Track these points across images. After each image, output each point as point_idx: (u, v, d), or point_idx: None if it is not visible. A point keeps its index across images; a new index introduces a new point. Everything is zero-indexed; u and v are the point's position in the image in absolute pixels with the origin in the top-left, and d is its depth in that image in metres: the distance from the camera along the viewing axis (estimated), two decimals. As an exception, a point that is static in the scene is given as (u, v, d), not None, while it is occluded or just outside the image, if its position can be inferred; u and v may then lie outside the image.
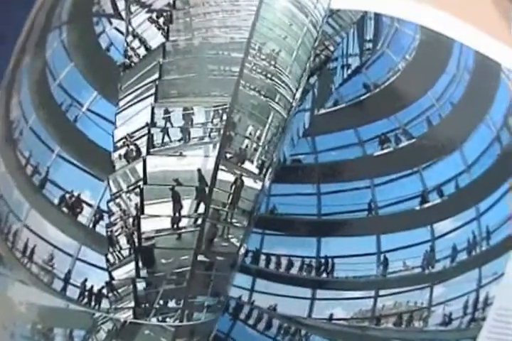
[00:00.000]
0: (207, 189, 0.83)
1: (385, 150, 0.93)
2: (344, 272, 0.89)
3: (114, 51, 0.92)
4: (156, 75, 0.88)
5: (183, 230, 0.84)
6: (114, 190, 0.87)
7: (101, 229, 0.88)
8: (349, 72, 0.96)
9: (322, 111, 0.93)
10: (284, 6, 0.88)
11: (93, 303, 0.87)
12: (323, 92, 0.92)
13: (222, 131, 0.83)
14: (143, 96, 0.88)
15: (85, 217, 0.89)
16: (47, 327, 0.92)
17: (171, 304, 0.84)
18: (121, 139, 0.88)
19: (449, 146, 0.98)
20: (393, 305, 0.97)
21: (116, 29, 0.93)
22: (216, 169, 0.83)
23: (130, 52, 0.91)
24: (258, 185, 0.85)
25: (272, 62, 0.86)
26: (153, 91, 0.88)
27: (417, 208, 0.92)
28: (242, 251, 0.87)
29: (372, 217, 0.92)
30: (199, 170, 0.84)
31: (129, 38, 0.92)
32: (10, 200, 0.95)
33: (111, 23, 0.93)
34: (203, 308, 0.85)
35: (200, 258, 0.83)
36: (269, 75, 0.85)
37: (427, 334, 0.99)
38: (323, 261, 0.90)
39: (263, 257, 0.88)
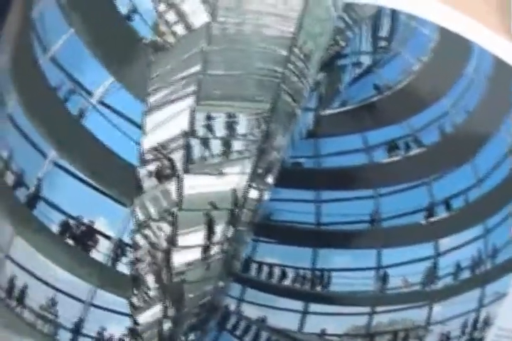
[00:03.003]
0: (238, 211, 0.57)
1: (393, 158, 0.71)
2: (340, 286, 0.65)
3: (138, 22, 0.56)
4: (199, 67, 0.57)
5: (212, 259, 0.58)
6: (142, 217, 0.56)
7: (123, 266, 0.57)
8: (360, 70, 0.76)
9: (328, 111, 0.74)
10: (327, -1, 0.62)
11: None
12: (330, 91, 0.68)
13: (259, 144, 0.57)
14: (181, 93, 0.56)
15: (101, 252, 0.57)
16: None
17: (191, 337, 0.59)
18: (152, 150, 0.56)
19: (461, 157, 0.75)
20: (389, 323, 0.76)
21: None
22: (248, 188, 0.58)
23: (164, 28, 0.57)
24: (268, 195, 0.60)
25: (307, 64, 0.60)
26: (194, 88, 0.56)
27: (423, 222, 0.67)
28: None
29: (374, 230, 0.68)
30: (234, 191, 0.57)
31: (162, 7, 0.57)
32: None
33: None
34: (210, 330, 0.61)
35: (221, 284, 0.59)
36: (302, 78, 0.60)
37: (422, 353, 0.79)
38: (318, 273, 0.67)
39: (255, 266, 0.65)
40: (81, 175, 0.57)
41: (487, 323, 0.72)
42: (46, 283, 0.57)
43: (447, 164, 0.69)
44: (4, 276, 0.58)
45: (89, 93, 0.57)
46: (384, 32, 0.69)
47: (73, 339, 0.58)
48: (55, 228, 0.57)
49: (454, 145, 0.69)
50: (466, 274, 0.70)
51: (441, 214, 0.69)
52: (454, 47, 0.70)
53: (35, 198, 0.57)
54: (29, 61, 0.58)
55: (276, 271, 0.65)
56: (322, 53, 0.63)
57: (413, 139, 0.68)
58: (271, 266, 0.65)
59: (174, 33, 0.57)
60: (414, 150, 0.68)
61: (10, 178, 0.57)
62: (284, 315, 0.66)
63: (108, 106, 0.57)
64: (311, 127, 0.67)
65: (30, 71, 0.58)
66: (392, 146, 0.67)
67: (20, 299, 0.58)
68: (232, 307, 0.66)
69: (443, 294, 0.70)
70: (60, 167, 0.57)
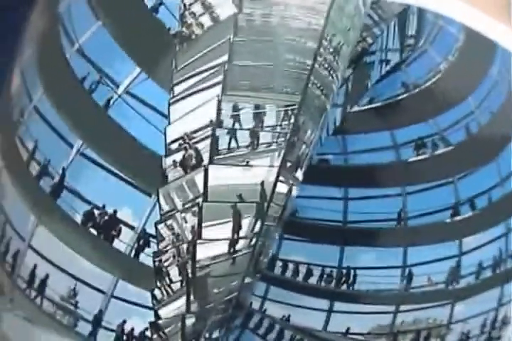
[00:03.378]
0: (265, 204, 0.54)
1: (421, 157, 0.65)
2: (366, 285, 0.64)
3: (164, 13, 0.55)
4: (225, 57, 0.55)
5: (238, 253, 0.55)
6: (166, 208, 0.54)
7: (145, 258, 0.54)
8: (388, 68, 0.70)
9: (356, 108, 0.65)
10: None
11: None
12: (357, 87, 0.62)
13: (288, 137, 0.54)
14: (207, 83, 0.54)
15: (124, 242, 0.55)
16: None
17: (215, 334, 0.56)
18: (177, 140, 0.54)
19: (485, 157, 0.74)
20: (412, 322, 0.74)
21: None
22: (277, 181, 0.55)
23: (190, 19, 0.56)
24: (296, 191, 0.57)
25: (336, 57, 0.58)
26: (220, 78, 0.54)
27: (448, 221, 0.65)
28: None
29: (401, 228, 0.64)
30: (262, 183, 0.54)
31: None
32: (7, 207, 0.57)
33: None
34: (235, 328, 0.59)
35: (247, 280, 0.55)
36: (331, 72, 0.58)
37: (443, 352, 0.77)
38: (344, 271, 0.63)
39: (279, 263, 0.63)
40: (106, 165, 0.54)
41: (505, 322, 0.71)
42: (68, 273, 0.54)
43: (472, 163, 0.67)
44: (25, 267, 0.55)
45: (116, 83, 0.54)
46: (411, 30, 0.67)
47: (93, 332, 0.54)
48: (78, 217, 0.54)
49: (479, 144, 0.68)
50: (487, 273, 0.69)
51: (466, 213, 0.67)
52: (478, 48, 0.68)
53: (59, 187, 0.54)
54: (56, 54, 0.56)
55: (302, 269, 0.63)
56: (351, 49, 0.61)
57: (440, 138, 0.66)
58: (297, 263, 0.63)
59: (200, 25, 0.55)
60: (441, 149, 0.66)
61: (34, 168, 0.54)
62: (308, 314, 0.64)
63: (134, 96, 0.55)
64: (338, 124, 0.65)
65: (57, 63, 0.56)
66: (419, 144, 0.65)
67: (41, 289, 0.55)
68: (256, 305, 0.63)
69: (465, 293, 0.68)
70: (85, 156, 0.54)
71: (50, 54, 0.57)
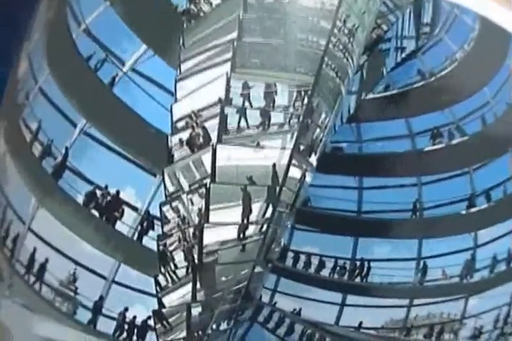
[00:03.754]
0: (277, 189, 0.51)
1: (437, 146, 0.63)
2: (380, 277, 0.61)
3: None
4: (235, 34, 0.53)
5: (248, 240, 0.51)
6: (172, 188, 0.50)
7: (149, 241, 0.52)
8: (403, 55, 0.66)
9: (371, 95, 0.62)
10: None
11: (135, 339, 0.52)
12: (372, 75, 0.60)
13: (301, 118, 0.52)
14: (215, 60, 0.52)
15: (127, 224, 0.52)
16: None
17: (223, 326, 0.52)
18: (184, 118, 0.51)
19: (500, 148, 0.72)
20: (426, 316, 0.72)
21: None
22: (289, 164, 0.52)
23: None
24: (311, 178, 0.54)
25: (351, 39, 0.56)
26: (229, 55, 0.52)
27: (463, 212, 0.63)
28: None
29: (416, 219, 0.62)
30: (274, 166, 0.51)
31: None
32: (8, 190, 0.54)
33: None
34: (244, 321, 0.55)
35: (257, 269, 0.52)
36: (346, 54, 0.55)
37: (455, 348, 0.75)
38: (358, 263, 0.61)
39: (291, 254, 0.60)
40: (109, 144, 0.51)
41: (517, 318, 0.69)
42: (68, 257, 0.51)
43: (488, 154, 0.65)
44: (25, 250, 0.52)
45: (122, 61, 0.52)
46: (427, 18, 0.66)
47: (93, 319, 0.51)
48: (80, 198, 0.51)
49: (495, 135, 0.66)
50: (502, 267, 0.67)
51: (482, 204, 0.65)
52: (494, 39, 0.67)
53: (61, 168, 0.51)
54: (63, 35, 0.54)
55: (314, 261, 0.61)
56: (366, 34, 0.59)
57: (456, 127, 0.64)
58: (309, 255, 0.60)
59: (209, 2, 0.53)
60: (457, 139, 0.64)
61: (37, 149, 0.52)
62: (320, 307, 0.62)
63: (140, 74, 0.52)
64: (353, 111, 0.63)
65: (64, 44, 0.54)
66: (435, 134, 0.64)
67: (40, 274, 0.52)
68: (266, 298, 0.61)
69: (479, 287, 0.66)
70: (89, 135, 0.52)
71: (57, 36, 0.55)
